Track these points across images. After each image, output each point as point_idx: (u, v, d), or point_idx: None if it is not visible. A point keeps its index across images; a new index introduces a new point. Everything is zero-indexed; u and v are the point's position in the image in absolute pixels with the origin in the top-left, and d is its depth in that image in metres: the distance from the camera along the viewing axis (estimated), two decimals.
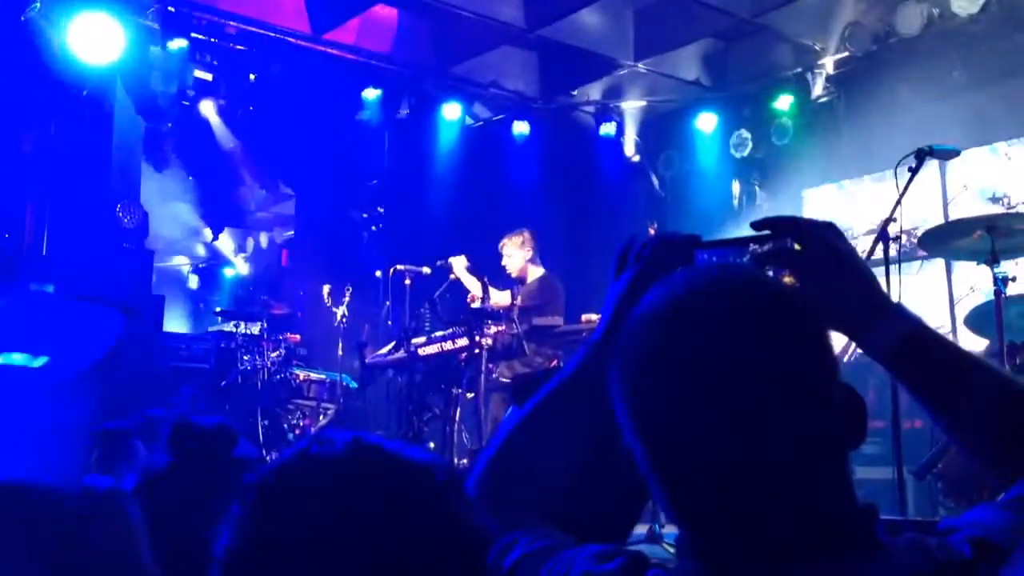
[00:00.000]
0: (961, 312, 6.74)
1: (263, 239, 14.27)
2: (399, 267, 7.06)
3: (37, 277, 6.75)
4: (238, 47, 8.21)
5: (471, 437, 6.74)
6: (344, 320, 7.69)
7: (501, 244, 7.22)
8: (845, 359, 4.33)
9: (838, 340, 1.21)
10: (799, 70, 8.50)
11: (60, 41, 6.93)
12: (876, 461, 5.26)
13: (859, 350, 1.24)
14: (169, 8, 7.46)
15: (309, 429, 7.60)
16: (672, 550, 1.11)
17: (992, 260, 4.55)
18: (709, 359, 1.00)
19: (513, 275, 7.16)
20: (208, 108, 9.01)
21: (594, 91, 9.43)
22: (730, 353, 1.00)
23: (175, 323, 11.97)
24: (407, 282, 7.00)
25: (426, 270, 7.05)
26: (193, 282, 15.07)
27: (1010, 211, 7.05)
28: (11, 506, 1.32)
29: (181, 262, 14.88)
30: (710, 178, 9.37)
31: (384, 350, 6.92)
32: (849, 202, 8.25)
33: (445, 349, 6.47)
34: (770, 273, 1.24)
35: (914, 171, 4.52)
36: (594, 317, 6.29)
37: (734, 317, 1.02)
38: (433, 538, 0.91)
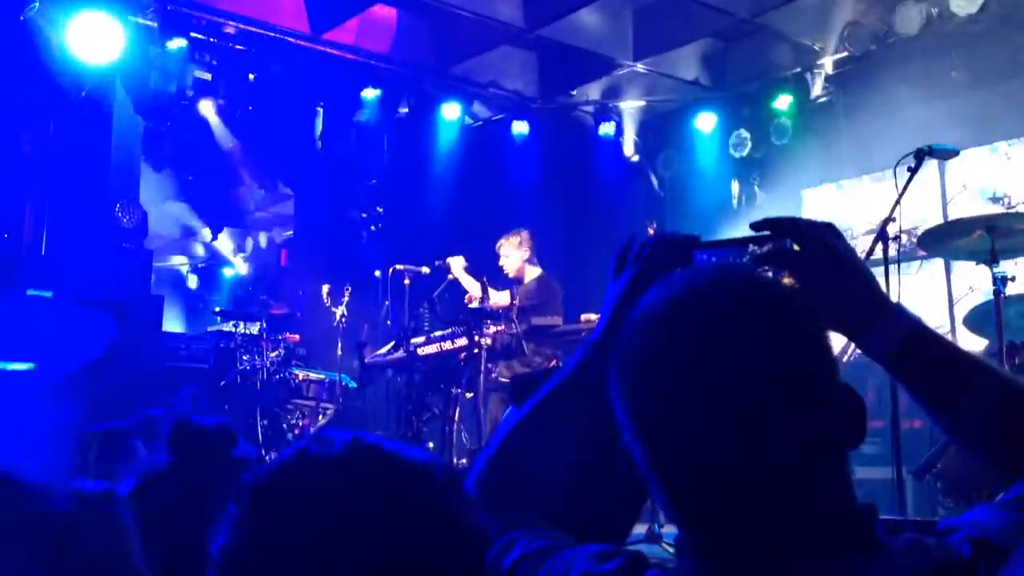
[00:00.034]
0: (960, 312, 6.74)
1: (262, 239, 14.26)
2: (398, 267, 7.06)
3: (36, 277, 6.75)
4: (237, 47, 8.20)
5: (470, 437, 6.74)
6: (343, 320, 7.70)
7: (498, 244, 7.22)
8: (845, 359, 4.35)
9: (838, 340, 1.21)
10: (798, 70, 8.51)
11: (59, 41, 6.93)
12: (875, 461, 5.26)
13: (859, 350, 1.24)
14: (168, 8, 7.46)
15: (308, 429, 7.59)
16: (671, 550, 1.11)
17: (991, 260, 4.55)
18: (708, 359, 1.00)
19: (510, 275, 7.17)
20: (207, 108, 9.01)
21: (593, 91, 9.43)
22: (729, 353, 1.00)
23: (174, 323, 11.98)
24: (406, 282, 7.01)
25: (425, 270, 7.06)
26: (192, 282, 15.08)
27: (1010, 211, 7.05)
28: (2, 505, 1.32)
29: (180, 262, 14.88)
30: (709, 178, 9.37)
31: (383, 350, 6.92)
32: (848, 202, 8.25)
33: (444, 349, 6.47)
34: (769, 274, 1.24)
35: (913, 171, 4.52)
36: (593, 317, 6.29)
37: (733, 317, 1.02)
38: (432, 538, 0.91)
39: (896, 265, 4.45)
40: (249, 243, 14.53)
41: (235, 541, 0.91)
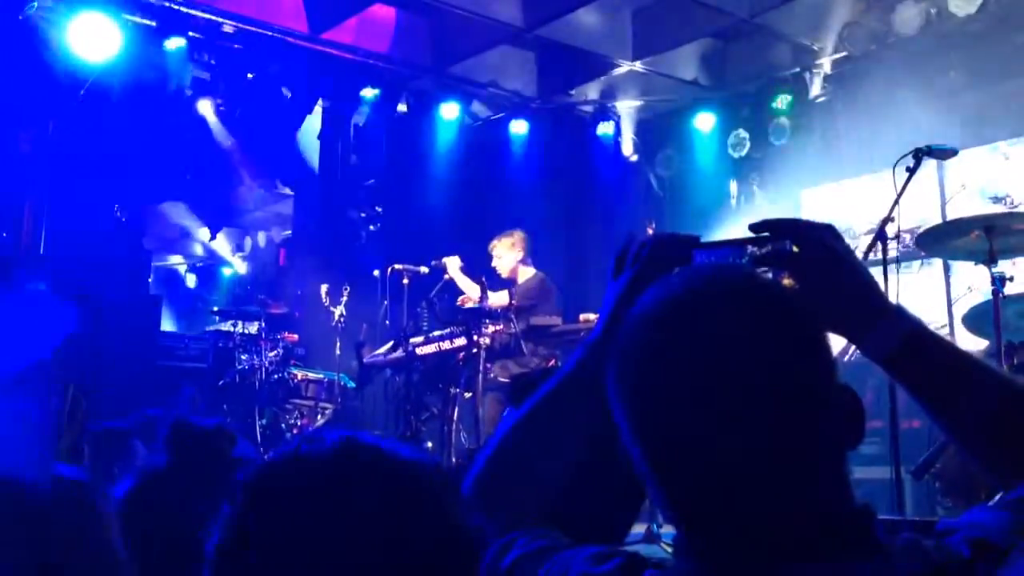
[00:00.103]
0: (959, 312, 6.75)
1: (261, 238, 14.25)
2: (397, 266, 7.06)
3: (34, 276, 6.74)
4: (236, 46, 8.20)
5: (469, 437, 6.74)
6: (342, 320, 7.69)
7: (491, 245, 7.21)
8: (845, 359, 4.35)
9: (838, 341, 1.21)
10: (797, 70, 8.51)
11: (58, 40, 6.93)
12: (874, 461, 5.26)
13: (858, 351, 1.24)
14: (167, 7, 7.46)
15: (307, 429, 7.59)
16: (669, 550, 1.11)
17: (989, 260, 4.55)
18: (707, 359, 1.00)
19: (504, 276, 7.16)
20: (206, 107, 9.00)
21: (592, 90, 9.43)
22: (727, 353, 1.00)
23: (173, 322, 11.97)
24: (405, 282, 7.01)
25: (424, 270, 7.06)
26: (191, 281, 15.06)
27: (1013, 210, 7.06)
28: None
29: (178, 261, 14.87)
30: (708, 178, 9.37)
31: (382, 350, 6.92)
32: (847, 202, 8.25)
33: (443, 349, 6.47)
34: (769, 275, 1.24)
35: (912, 171, 4.53)
36: (592, 316, 6.29)
37: (732, 318, 1.02)
38: (423, 536, 0.91)
39: (895, 265, 4.45)
40: (248, 242, 14.52)
41: (227, 539, 0.91)
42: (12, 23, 6.81)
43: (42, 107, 7.27)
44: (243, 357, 7.96)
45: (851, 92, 8.18)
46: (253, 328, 8.13)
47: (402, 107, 9.18)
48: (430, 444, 6.69)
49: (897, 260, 4.48)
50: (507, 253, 7.16)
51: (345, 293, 7.75)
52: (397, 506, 0.91)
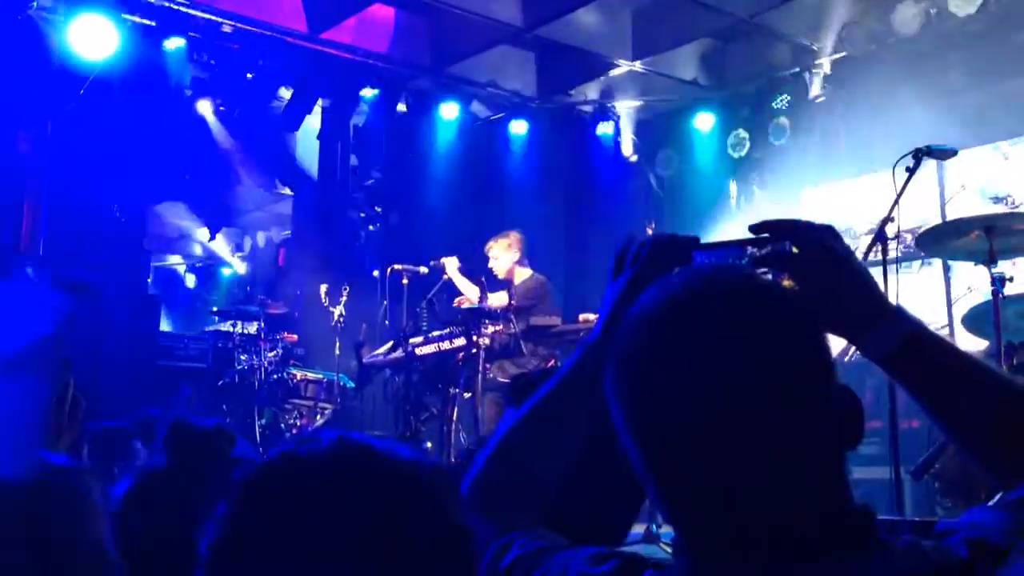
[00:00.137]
0: (958, 312, 6.75)
1: (260, 238, 14.24)
2: (396, 267, 7.06)
3: (27, 265, 6.74)
4: (235, 46, 8.20)
5: (468, 437, 6.73)
6: (341, 320, 7.69)
7: (487, 247, 7.20)
8: (845, 360, 4.35)
9: (838, 341, 1.21)
10: (797, 70, 8.51)
11: (58, 39, 6.93)
12: (874, 461, 5.25)
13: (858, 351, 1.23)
14: (166, 7, 7.46)
15: (306, 429, 7.58)
16: (669, 550, 1.11)
17: (989, 260, 4.55)
18: (705, 360, 1.00)
19: (501, 277, 7.15)
20: (205, 107, 9.00)
21: (592, 90, 9.43)
22: (726, 354, 1.00)
23: (172, 323, 11.97)
24: (404, 282, 7.01)
25: (423, 270, 7.06)
26: (190, 281, 15.06)
27: (1014, 210, 7.06)
28: None
29: (178, 261, 14.86)
30: (708, 178, 9.38)
31: (381, 350, 6.92)
32: (847, 202, 8.25)
33: (442, 349, 6.47)
34: (768, 276, 1.24)
35: (911, 171, 4.53)
36: (592, 317, 6.29)
37: (731, 318, 1.02)
38: (420, 536, 0.91)
39: (895, 265, 4.45)
40: (247, 242, 14.52)
41: (222, 539, 0.91)
42: (12, 23, 6.81)
43: (41, 107, 7.27)
44: (242, 357, 7.96)
45: (851, 92, 8.18)
46: (252, 328, 8.13)
47: (401, 107, 9.18)
48: (429, 444, 6.69)
49: (897, 260, 4.48)
50: (503, 254, 7.15)
51: (344, 293, 7.74)
52: (393, 506, 0.91)
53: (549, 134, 9.78)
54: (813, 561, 0.97)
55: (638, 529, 5.17)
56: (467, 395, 6.41)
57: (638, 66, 8.70)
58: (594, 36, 8.41)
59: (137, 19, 7.44)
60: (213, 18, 7.76)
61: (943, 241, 4.97)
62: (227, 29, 7.95)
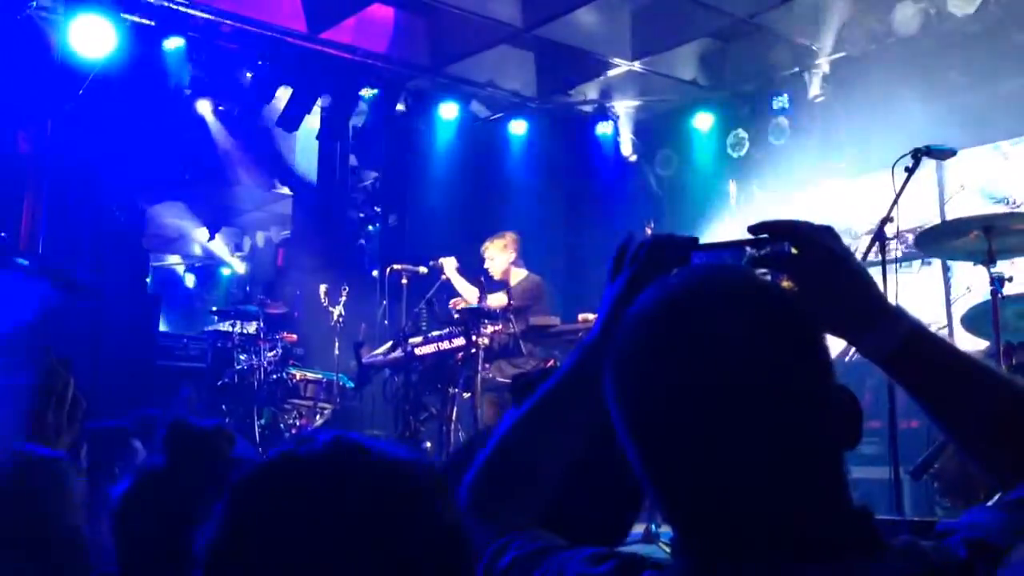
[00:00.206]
0: (958, 312, 6.75)
1: (259, 238, 14.25)
2: (396, 267, 7.06)
3: (21, 256, 6.73)
4: (234, 46, 8.20)
5: (467, 437, 6.73)
6: (341, 320, 7.69)
7: (483, 247, 7.19)
8: (846, 360, 4.35)
9: (838, 342, 1.21)
10: (796, 70, 8.51)
11: (57, 39, 6.93)
12: (873, 461, 5.26)
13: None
14: (166, 7, 7.45)
15: (306, 429, 7.58)
16: (668, 550, 1.11)
17: (988, 260, 4.55)
18: (704, 360, 1.00)
19: (496, 278, 7.15)
20: (204, 107, 9.01)
21: (591, 90, 9.44)
22: (724, 354, 1.00)
23: (171, 322, 11.97)
24: (404, 282, 7.01)
25: (422, 270, 7.06)
26: (190, 281, 15.07)
27: (1015, 210, 7.06)
28: None
29: (177, 261, 14.87)
30: (707, 178, 9.38)
31: (381, 350, 6.92)
32: (847, 202, 8.25)
33: (442, 349, 6.47)
34: (768, 277, 1.24)
35: (910, 171, 4.53)
36: (591, 316, 6.29)
37: (729, 318, 1.02)
38: (415, 537, 0.91)
39: (895, 265, 4.45)
40: (246, 242, 14.53)
41: (218, 539, 0.91)
42: (11, 22, 6.81)
43: (41, 106, 7.26)
44: (242, 357, 7.96)
45: (850, 92, 8.18)
46: (252, 328, 8.13)
47: (401, 107, 9.18)
48: (429, 444, 6.69)
49: (896, 260, 4.48)
50: (499, 255, 7.15)
51: (344, 293, 7.74)
52: (389, 507, 0.91)
53: (548, 134, 9.78)
54: (812, 561, 0.97)
55: (638, 529, 5.17)
56: (466, 395, 6.41)
57: (637, 66, 8.71)
58: (593, 36, 8.41)
59: (136, 19, 7.44)
60: (212, 18, 7.76)
61: (942, 241, 4.97)
62: (226, 29, 7.95)
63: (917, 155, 4.53)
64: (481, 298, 6.52)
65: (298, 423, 7.70)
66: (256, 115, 8.86)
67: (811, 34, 8.13)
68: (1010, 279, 4.65)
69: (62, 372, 1.45)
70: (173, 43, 7.64)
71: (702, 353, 1.01)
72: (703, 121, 9.30)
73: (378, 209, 10.30)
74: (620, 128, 9.72)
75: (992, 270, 4.57)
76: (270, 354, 7.93)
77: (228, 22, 7.86)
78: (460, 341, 6.32)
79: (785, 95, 8.63)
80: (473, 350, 6.22)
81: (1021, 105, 7.22)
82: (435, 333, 6.59)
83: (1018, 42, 7.12)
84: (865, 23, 7.84)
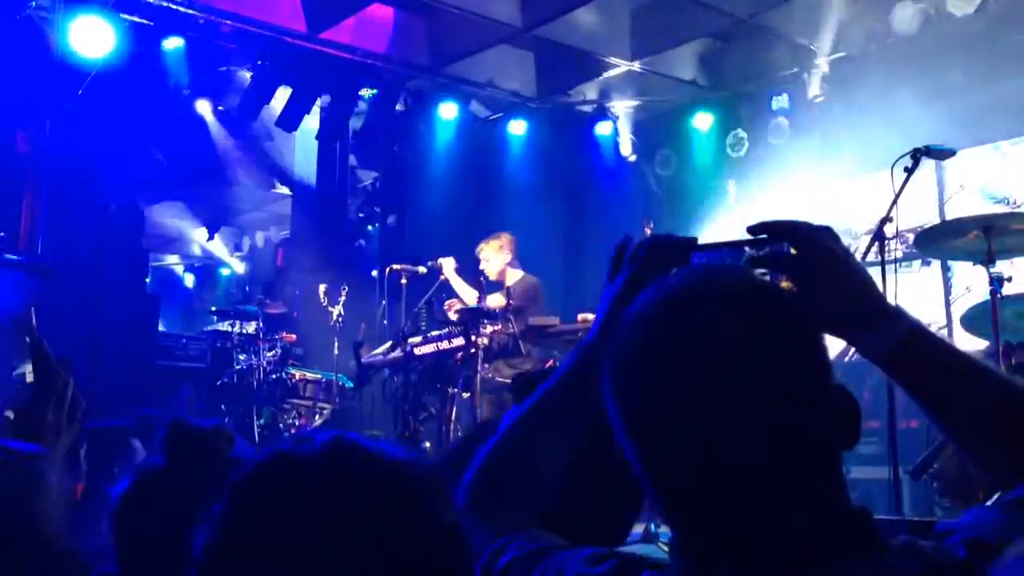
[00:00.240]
0: (957, 312, 6.75)
1: (259, 238, 14.26)
2: (395, 266, 7.06)
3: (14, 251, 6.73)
4: (233, 46, 8.20)
5: (465, 432, 6.73)
6: (340, 320, 7.69)
7: (479, 248, 7.18)
8: (846, 360, 4.35)
9: (838, 341, 1.21)
10: (795, 70, 8.51)
11: (56, 39, 6.92)
12: (872, 461, 5.26)
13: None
14: (165, 6, 7.45)
15: (305, 429, 7.58)
16: (667, 550, 1.11)
17: (987, 260, 4.55)
18: (701, 359, 1.00)
19: (492, 278, 7.15)
20: (204, 107, 9.00)
21: (590, 90, 9.44)
22: (722, 354, 1.00)
23: (171, 322, 11.97)
24: (403, 281, 7.01)
25: (422, 270, 7.06)
26: (189, 281, 15.08)
27: (1014, 210, 7.06)
28: None
29: (176, 261, 14.87)
30: (706, 178, 9.38)
31: (380, 350, 6.92)
32: (846, 202, 8.25)
33: (441, 348, 6.48)
34: (767, 277, 1.24)
35: (910, 171, 4.53)
36: (591, 316, 6.29)
37: (727, 318, 1.02)
38: (412, 537, 0.91)
39: (895, 265, 4.45)
40: (246, 242, 14.53)
41: (216, 539, 0.91)
42: (10, 22, 6.81)
43: (40, 106, 7.26)
44: (241, 357, 7.96)
45: (849, 92, 8.18)
46: (251, 328, 8.12)
47: (400, 107, 9.18)
48: (428, 444, 6.69)
49: (896, 260, 4.48)
50: (495, 255, 7.14)
51: (343, 293, 7.74)
52: (386, 507, 0.91)
53: (548, 134, 9.78)
54: (810, 561, 0.97)
55: (637, 529, 5.17)
56: (466, 395, 6.41)
57: (637, 66, 8.71)
58: (593, 36, 8.41)
59: (136, 19, 7.44)
60: (212, 18, 7.76)
61: (941, 241, 4.97)
62: (226, 29, 7.95)
63: (916, 155, 4.53)
64: (481, 298, 6.52)
65: (297, 423, 7.70)
66: (255, 115, 8.86)
67: (811, 34, 8.13)
68: (1009, 279, 4.65)
69: (62, 372, 1.45)
70: (172, 43, 7.64)
71: (700, 353, 1.01)
72: (702, 121, 9.30)
73: (377, 209, 10.30)
74: (620, 128, 9.73)
75: (991, 270, 4.57)
76: (269, 354, 7.93)
77: (228, 22, 7.86)
78: (459, 341, 6.32)
79: (785, 95, 8.63)
80: (472, 350, 6.22)
81: (1021, 105, 7.22)
82: (434, 333, 6.60)
83: (1018, 42, 7.12)
84: (865, 23, 7.85)
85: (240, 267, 14.52)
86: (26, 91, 7.07)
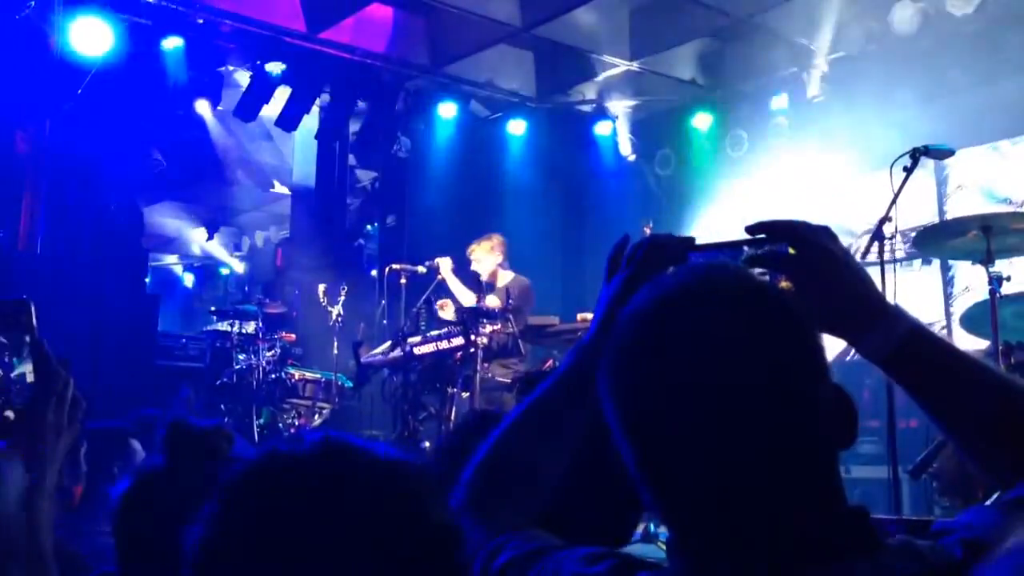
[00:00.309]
0: (956, 311, 6.75)
1: (259, 238, 14.26)
2: (394, 266, 7.06)
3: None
4: (233, 46, 8.20)
5: (458, 422, 6.71)
6: (339, 319, 7.69)
7: (470, 250, 7.17)
8: (846, 360, 4.35)
9: (838, 341, 1.21)
10: (794, 69, 8.51)
11: (56, 40, 6.92)
12: (872, 460, 5.26)
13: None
14: (165, 6, 7.45)
15: (304, 428, 7.58)
16: (665, 549, 1.11)
17: (987, 260, 4.55)
18: (698, 358, 1.00)
19: (483, 279, 7.14)
20: (203, 107, 9.00)
21: (590, 90, 9.44)
22: (719, 353, 1.00)
23: (170, 322, 11.98)
24: (402, 281, 7.01)
25: (421, 269, 7.06)
26: (188, 281, 15.07)
27: (1015, 210, 7.06)
28: None
29: (176, 261, 14.87)
30: (706, 177, 9.37)
31: (379, 349, 6.92)
32: (845, 202, 8.25)
33: (440, 348, 6.47)
34: (767, 277, 1.24)
35: (909, 170, 4.53)
36: (590, 316, 6.28)
37: (724, 317, 1.02)
38: (404, 537, 0.91)
39: (894, 265, 4.45)
40: (245, 242, 14.53)
41: (207, 538, 0.91)
42: (10, 22, 6.81)
43: (39, 106, 7.26)
44: (240, 357, 7.95)
45: (849, 92, 8.18)
46: (250, 328, 8.12)
47: (399, 107, 9.17)
48: (427, 444, 6.68)
49: (895, 260, 4.48)
50: (486, 257, 7.14)
51: (342, 293, 7.74)
52: (377, 506, 0.91)
53: (547, 134, 9.78)
54: (809, 561, 0.97)
55: (637, 528, 5.17)
56: (465, 395, 6.40)
57: (636, 66, 8.71)
58: (592, 36, 8.41)
59: (135, 19, 7.44)
60: (212, 18, 7.76)
61: (941, 241, 4.97)
62: (225, 29, 7.95)
63: (916, 154, 4.53)
64: (480, 298, 6.53)
65: (297, 423, 7.69)
66: (255, 115, 8.86)
67: (810, 34, 8.14)
68: (1008, 278, 4.65)
69: (62, 372, 1.44)
70: (172, 43, 7.64)
71: (698, 352, 1.01)
72: (702, 121, 9.30)
73: (377, 209, 10.30)
74: (619, 128, 9.73)
75: (990, 269, 4.57)
76: (269, 354, 7.93)
77: (227, 22, 7.86)
78: (459, 341, 6.32)
79: (784, 95, 8.64)
80: (472, 349, 6.22)
81: (1020, 105, 7.22)
82: (434, 333, 6.59)
83: (1017, 42, 7.12)
84: (864, 23, 7.85)
85: (239, 267, 14.52)
86: (26, 91, 7.07)
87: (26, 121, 7.30)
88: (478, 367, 6.19)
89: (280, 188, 11.74)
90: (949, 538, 1.01)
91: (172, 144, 9.51)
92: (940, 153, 4.76)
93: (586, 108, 9.68)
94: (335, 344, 7.68)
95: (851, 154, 8.11)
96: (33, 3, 6.80)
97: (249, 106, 8.47)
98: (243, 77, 8.55)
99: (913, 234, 5.86)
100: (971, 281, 7.16)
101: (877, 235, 4.50)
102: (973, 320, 5.17)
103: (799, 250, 1.24)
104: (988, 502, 1.12)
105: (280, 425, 7.63)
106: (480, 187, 9.60)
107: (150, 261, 10.42)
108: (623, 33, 8.56)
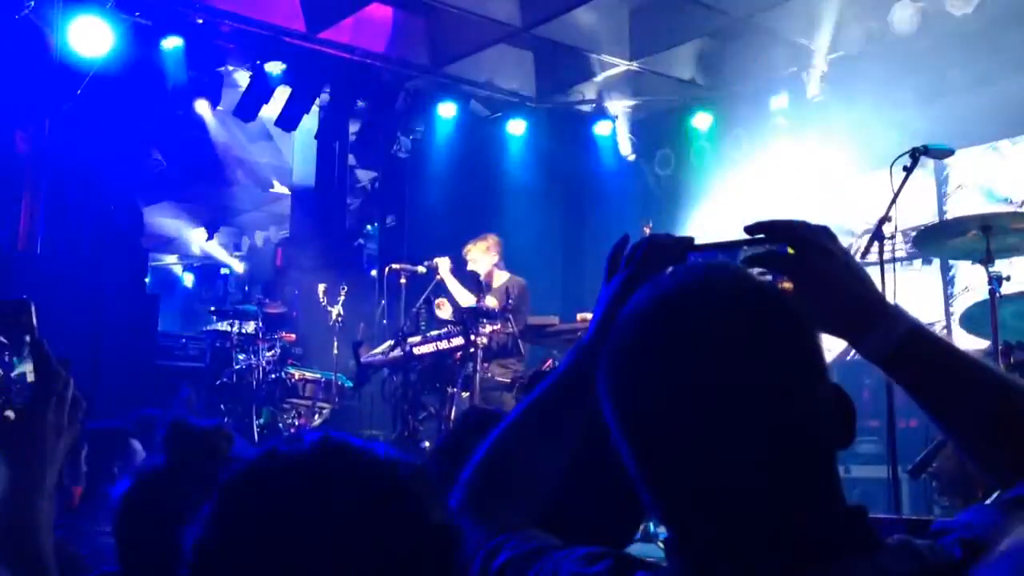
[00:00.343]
0: (956, 311, 6.76)
1: (258, 238, 14.26)
2: (394, 266, 7.07)
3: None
4: (233, 46, 8.20)
5: (456, 420, 6.71)
6: (339, 319, 7.69)
7: (465, 250, 7.17)
8: (846, 360, 4.34)
9: (838, 341, 1.21)
10: (794, 69, 8.51)
11: (55, 39, 6.93)
12: (871, 460, 5.26)
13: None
14: (164, 6, 7.45)
15: (304, 428, 7.58)
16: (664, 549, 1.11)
17: (986, 260, 4.55)
18: (696, 358, 1.00)
19: (482, 279, 7.15)
20: (203, 107, 9.00)
21: (590, 90, 9.44)
22: (718, 352, 1.00)
23: (170, 322, 11.98)
24: (402, 281, 7.01)
25: (421, 269, 7.07)
26: (188, 281, 15.07)
27: (1018, 210, 7.07)
28: None
29: (176, 261, 14.87)
30: (705, 177, 9.37)
31: (379, 349, 6.92)
32: (845, 202, 8.25)
33: (440, 348, 6.48)
34: (767, 277, 1.24)
35: (909, 170, 4.53)
36: (589, 316, 6.28)
37: (722, 317, 1.02)
38: (401, 537, 0.91)
39: (894, 265, 4.45)
40: (245, 242, 14.53)
41: (204, 538, 0.91)
42: (9, 22, 6.81)
43: (39, 106, 7.26)
44: (240, 357, 7.96)
45: (848, 91, 8.18)
46: (250, 328, 8.12)
47: (399, 106, 9.17)
48: (427, 444, 6.68)
49: (895, 260, 4.48)
50: (482, 257, 7.13)
51: (342, 293, 7.74)
52: (374, 506, 0.91)
53: (547, 134, 9.78)
54: (808, 561, 0.97)
55: None
56: (465, 394, 6.41)
57: (636, 65, 8.71)
58: (592, 35, 8.41)
59: (135, 18, 7.44)
60: (211, 18, 7.76)
61: (940, 240, 4.97)
62: (225, 28, 7.95)
63: (915, 154, 4.53)
64: (480, 298, 6.53)
65: (297, 423, 7.70)
66: (254, 115, 8.86)
67: (809, 34, 8.14)
68: (1008, 278, 4.65)
69: (62, 372, 1.45)
70: (171, 43, 7.63)
71: (697, 352, 1.01)
72: (701, 121, 9.30)
73: (377, 209, 10.30)
74: (618, 128, 9.72)
75: (990, 269, 4.57)
76: (269, 354, 7.93)
77: (227, 22, 7.86)
78: (459, 340, 6.33)
79: (783, 94, 8.63)
80: (472, 349, 6.22)
81: (1019, 104, 7.22)
82: (433, 332, 6.60)
83: (1016, 42, 7.12)
84: (863, 22, 7.85)
85: (239, 267, 14.51)
86: (25, 91, 7.07)
87: (26, 121, 7.30)
88: (478, 367, 6.19)
89: (280, 188, 11.74)
90: (948, 537, 1.01)
91: (172, 144, 9.51)
92: (940, 153, 4.76)
93: (586, 108, 9.68)
94: (335, 344, 7.68)
95: (851, 154, 8.11)
96: (33, 3, 6.81)
97: (249, 106, 8.47)
98: (243, 77, 8.53)
99: (913, 234, 5.87)
100: (971, 281, 7.16)
101: (877, 235, 4.51)
102: (973, 320, 5.17)
103: (798, 250, 1.23)
104: (988, 502, 1.12)
105: (280, 425, 7.63)
106: (480, 187, 9.59)
107: (150, 261, 10.42)
108: (623, 33, 8.56)
